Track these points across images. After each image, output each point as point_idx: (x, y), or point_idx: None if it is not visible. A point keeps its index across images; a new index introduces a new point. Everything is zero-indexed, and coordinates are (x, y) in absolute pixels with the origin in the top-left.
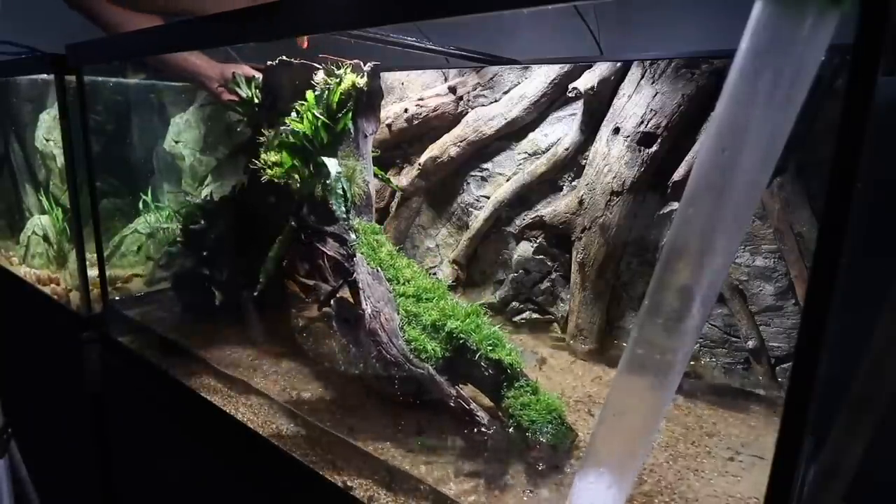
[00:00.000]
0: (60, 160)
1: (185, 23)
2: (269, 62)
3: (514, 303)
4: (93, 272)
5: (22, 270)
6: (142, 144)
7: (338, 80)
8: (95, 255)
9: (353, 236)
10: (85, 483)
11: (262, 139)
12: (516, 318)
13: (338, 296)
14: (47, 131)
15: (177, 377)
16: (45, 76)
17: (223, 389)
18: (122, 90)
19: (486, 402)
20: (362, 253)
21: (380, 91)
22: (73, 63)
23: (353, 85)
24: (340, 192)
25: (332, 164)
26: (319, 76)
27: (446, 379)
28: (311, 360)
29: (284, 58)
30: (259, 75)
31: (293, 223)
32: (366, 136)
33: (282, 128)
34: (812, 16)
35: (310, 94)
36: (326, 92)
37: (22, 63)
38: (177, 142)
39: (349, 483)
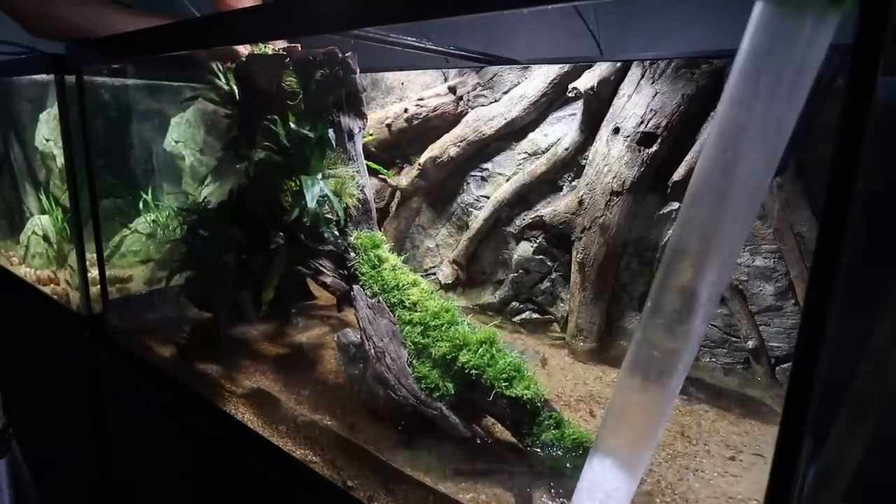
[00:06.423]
0: (60, 160)
1: (187, 23)
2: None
3: (514, 303)
4: (93, 272)
5: (22, 270)
6: (142, 144)
7: (306, 78)
8: (95, 255)
9: (352, 254)
10: (85, 483)
11: (246, 143)
12: (516, 318)
13: (339, 334)
14: (48, 131)
15: (177, 377)
16: (45, 76)
17: (223, 389)
18: (123, 90)
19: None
20: (363, 275)
21: (359, 83)
22: (72, 63)
23: (325, 79)
24: (328, 214)
25: (311, 190)
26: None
27: (462, 416)
28: (314, 367)
29: (254, 52)
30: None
31: (288, 241)
32: (352, 136)
33: (254, 153)
34: (812, 16)
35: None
36: (299, 94)
37: (22, 63)
38: (177, 142)
39: (349, 483)
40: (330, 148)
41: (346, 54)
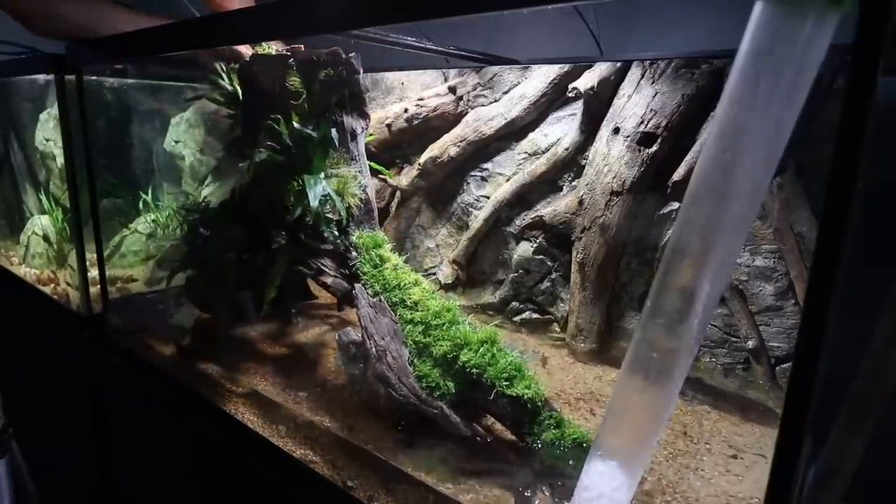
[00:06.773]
0: (60, 160)
1: (187, 23)
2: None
3: (514, 303)
4: (93, 272)
5: (22, 270)
6: (142, 144)
7: (310, 77)
8: (95, 255)
9: (354, 254)
10: (85, 483)
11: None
12: (516, 318)
13: (340, 333)
14: (48, 131)
15: (177, 377)
16: (45, 76)
17: (223, 389)
18: (123, 90)
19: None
20: (364, 274)
21: (362, 84)
22: (72, 63)
23: (329, 79)
24: (329, 214)
25: (313, 189)
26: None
27: (463, 415)
28: (314, 367)
29: (258, 52)
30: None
31: (290, 241)
32: (354, 136)
33: (257, 152)
34: (812, 16)
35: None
36: (303, 94)
37: (22, 63)
38: (177, 142)
39: (349, 483)
40: (333, 148)
41: (350, 55)
